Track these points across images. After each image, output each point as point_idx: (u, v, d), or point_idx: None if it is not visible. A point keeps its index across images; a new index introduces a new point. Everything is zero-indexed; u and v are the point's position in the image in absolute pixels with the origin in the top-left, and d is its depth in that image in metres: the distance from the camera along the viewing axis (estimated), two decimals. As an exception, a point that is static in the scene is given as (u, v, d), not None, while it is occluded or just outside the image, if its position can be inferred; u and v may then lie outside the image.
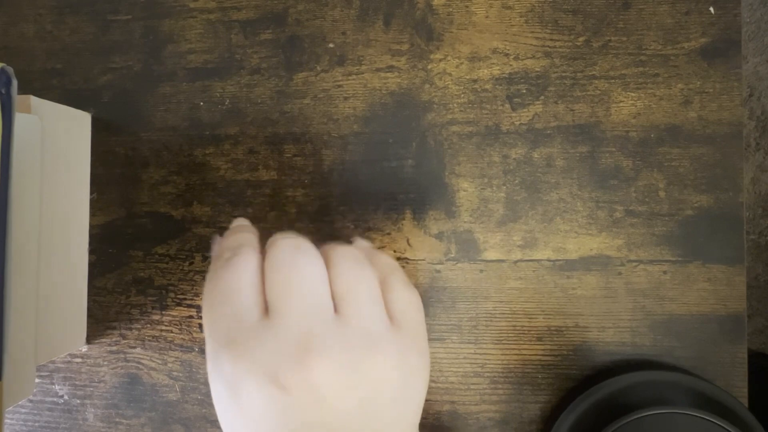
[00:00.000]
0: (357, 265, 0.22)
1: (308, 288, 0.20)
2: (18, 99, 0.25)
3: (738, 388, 0.30)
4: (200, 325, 0.32)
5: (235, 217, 0.31)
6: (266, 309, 0.20)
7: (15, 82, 0.23)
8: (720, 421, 0.26)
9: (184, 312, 0.32)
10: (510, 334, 0.31)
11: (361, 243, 0.26)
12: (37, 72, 0.34)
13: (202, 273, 0.32)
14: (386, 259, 0.24)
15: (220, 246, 0.24)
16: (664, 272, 0.31)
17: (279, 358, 0.19)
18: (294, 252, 0.21)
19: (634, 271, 0.31)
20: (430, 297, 0.31)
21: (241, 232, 0.24)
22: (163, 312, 0.32)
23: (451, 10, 0.32)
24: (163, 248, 0.33)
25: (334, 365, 0.19)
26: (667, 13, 0.31)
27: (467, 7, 0.32)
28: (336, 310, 0.21)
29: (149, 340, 0.32)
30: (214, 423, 0.32)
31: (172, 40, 0.33)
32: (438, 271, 0.31)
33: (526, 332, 0.31)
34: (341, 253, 0.22)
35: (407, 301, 0.23)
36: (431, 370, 0.31)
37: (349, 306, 0.21)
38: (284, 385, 0.19)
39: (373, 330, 0.21)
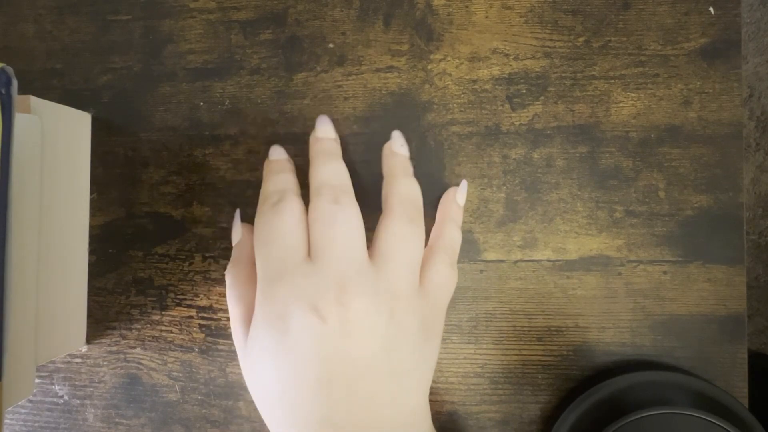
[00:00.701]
0: (405, 228, 0.25)
1: (346, 242, 0.23)
2: (18, 99, 0.25)
3: (738, 389, 0.30)
4: (200, 326, 0.32)
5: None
6: (309, 251, 0.24)
7: (15, 82, 0.23)
8: (720, 421, 0.26)
9: (184, 312, 0.32)
10: (510, 335, 0.31)
11: (457, 194, 0.29)
12: (37, 72, 0.34)
13: (202, 273, 0.32)
14: (450, 232, 0.27)
15: (264, 189, 0.26)
16: (664, 272, 0.31)
17: (320, 292, 0.22)
18: (333, 208, 0.24)
19: (634, 271, 0.31)
20: (430, 297, 0.31)
21: (282, 173, 0.27)
22: (163, 312, 0.32)
23: (451, 10, 0.32)
24: (163, 248, 0.33)
25: (363, 306, 0.22)
26: (666, 14, 0.31)
27: (467, 7, 0.32)
28: (372, 261, 0.24)
29: (149, 341, 0.32)
30: (214, 423, 0.32)
31: (172, 41, 0.33)
32: (438, 272, 0.31)
33: (526, 332, 0.31)
34: (400, 207, 0.25)
35: (443, 278, 0.26)
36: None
37: (383, 264, 0.24)
38: (323, 315, 0.22)
39: (400, 289, 0.24)
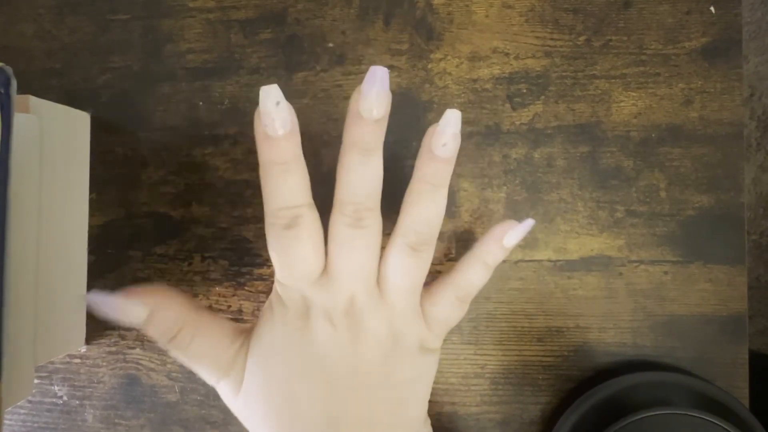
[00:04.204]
0: (409, 260, 0.24)
1: (361, 266, 0.24)
2: (17, 99, 0.25)
3: (739, 389, 0.30)
4: (199, 326, 0.32)
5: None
6: (326, 264, 0.24)
7: (14, 82, 0.23)
8: (721, 422, 0.26)
9: (184, 312, 0.32)
10: (510, 335, 0.31)
11: (507, 235, 0.26)
12: (36, 72, 0.34)
13: (201, 273, 0.32)
14: (472, 274, 0.26)
15: (270, 200, 0.23)
16: (665, 273, 0.31)
17: (332, 303, 0.24)
18: (355, 233, 0.23)
19: (635, 271, 0.31)
20: (430, 297, 0.31)
21: (287, 174, 0.22)
22: (163, 312, 0.32)
23: (451, 9, 0.32)
24: (162, 249, 0.33)
25: (368, 320, 0.24)
26: (667, 13, 0.31)
27: (467, 6, 0.32)
28: (378, 285, 0.25)
29: (148, 341, 0.32)
30: (214, 424, 0.32)
31: (171, 40, 0.33)
32: (438, 272, 0.31)
33: (526, 333, 0.31)
34: (406, 237, 0.24)
35: (442, 315, 0.26)
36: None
37: (386, 291, 0.25)
38: (334, 322, 0.24)
39: (400, 310, 0.25)
